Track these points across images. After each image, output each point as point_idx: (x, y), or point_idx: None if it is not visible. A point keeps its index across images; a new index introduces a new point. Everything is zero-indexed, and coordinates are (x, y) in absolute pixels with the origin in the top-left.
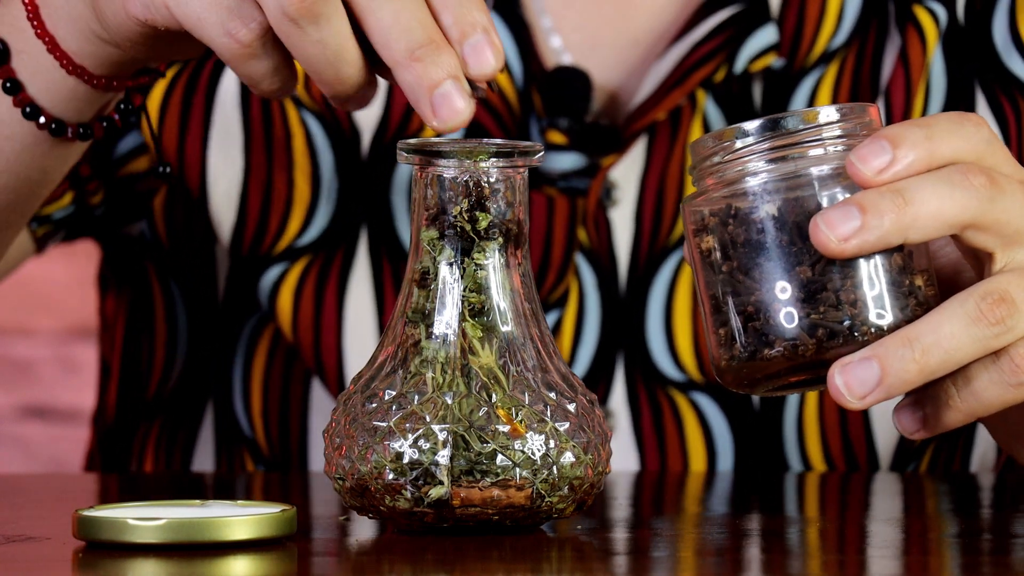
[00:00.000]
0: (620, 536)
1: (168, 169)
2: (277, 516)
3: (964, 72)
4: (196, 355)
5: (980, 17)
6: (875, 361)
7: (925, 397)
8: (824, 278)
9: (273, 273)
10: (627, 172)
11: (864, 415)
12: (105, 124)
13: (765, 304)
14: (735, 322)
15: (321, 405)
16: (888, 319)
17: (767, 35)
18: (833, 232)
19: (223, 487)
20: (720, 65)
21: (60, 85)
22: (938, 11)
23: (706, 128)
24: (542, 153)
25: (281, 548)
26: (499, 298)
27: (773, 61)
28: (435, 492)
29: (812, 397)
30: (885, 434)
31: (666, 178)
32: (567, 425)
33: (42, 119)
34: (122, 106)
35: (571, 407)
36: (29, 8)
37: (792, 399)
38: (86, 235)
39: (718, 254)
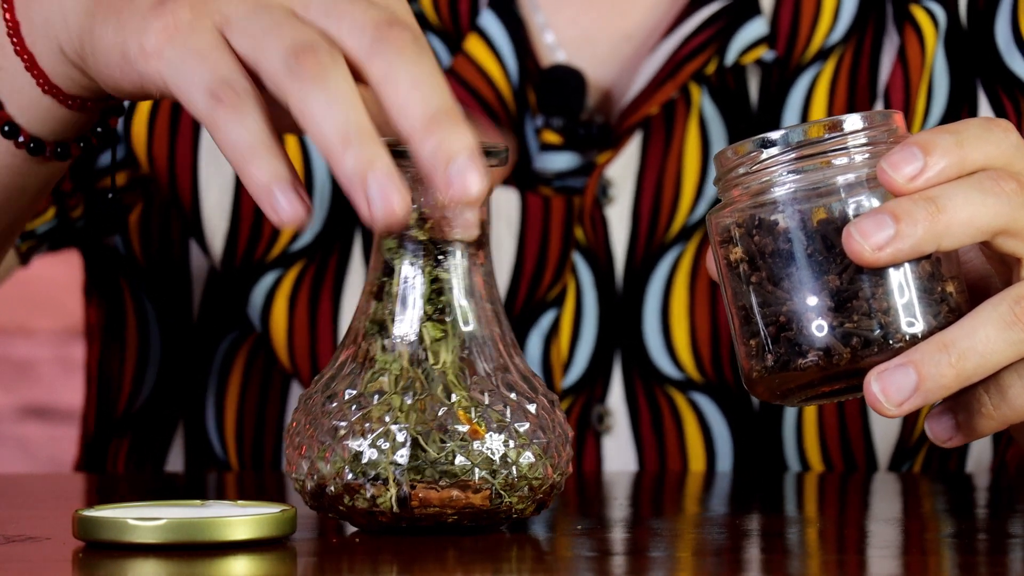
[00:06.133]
0: (618, 536)
1: (112, 197)
2: (277, 516)
3: (966, 73)
4: (167, 374)
5: (983, 18)
6: (911, 367)
7: (957, 405)
8: (855, 286)
9: (267, 280)
10: (623, 170)
11: (863, 417)
12: (82, 144)
13: (797, 314)
14: (766, 332)
15: None
16: (921, 326)
17: (757, 27)
18: (867, 241)
19: (222, 488)
20: (711, 57)
21: (37, 104)
22: (936, 11)
23: (702, 125)
24: (506, 154)
25: (281, 548)
26: (460, 299)
27: (764, 53)
28: (392, 493)
29: None
30: (883, 435)
31: (663, 175)
32: (527, 426)
33: (20, 138)
34: (99, 129)
35: (531, 407)
36: (10, 24)
37: None
38: (70, 246)
39: (746, 265)
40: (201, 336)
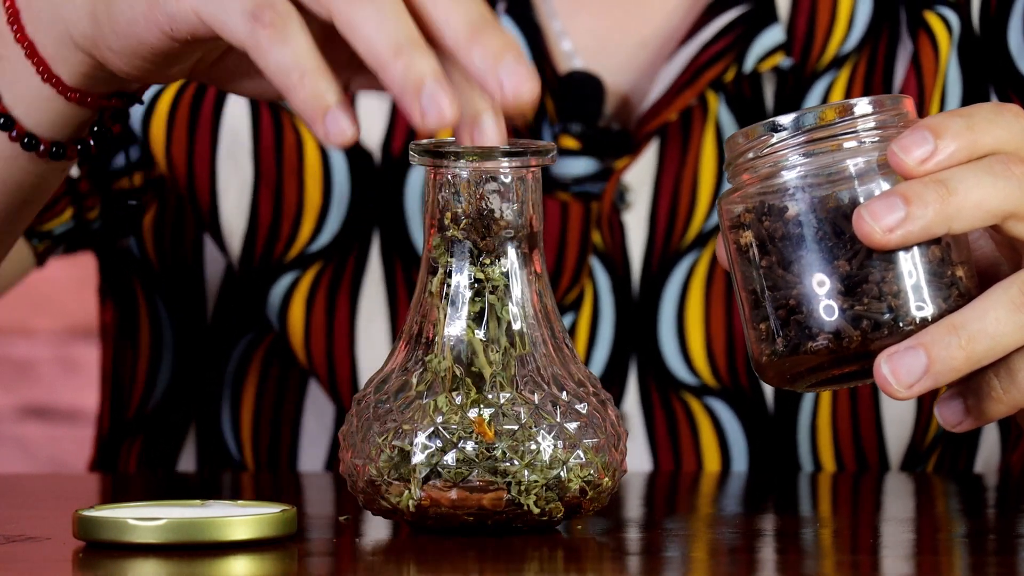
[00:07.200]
0: (633, 536)
1: (135, 202)
2: (277, 516)
3: (979, 78)
4: (181, 375)
5: (995, 23)
6: (922, 350)
7: (967, 390)
8: (865, 270)
9: (285, 282)
10: (640, 175)
11: (876, 419)
12: (79, 147)
13: (807, 297)
14: (776, 316)
15: (313, 427)
16: (931, 310)
17: (774, 35)
18: (878, 223)
19: (222, 488)
20: (729, 65)
21: (36, 94)
22: (950, 17)
23: (719, 132)
24: (555, 152)
25: (281, 548)
26: (508, 300)
27: (781, 61)
28: (407, 494)
29: (825, 400)
30: (896, 440)
31: (679, 181)
32: (560, 430)
33: (15, 132)
34: (95, 129)
35: (580, 407)
36: (10, 12)
37: (807, 403)
38: (85, 247)
39: (756, 249)
40: (216, 337)
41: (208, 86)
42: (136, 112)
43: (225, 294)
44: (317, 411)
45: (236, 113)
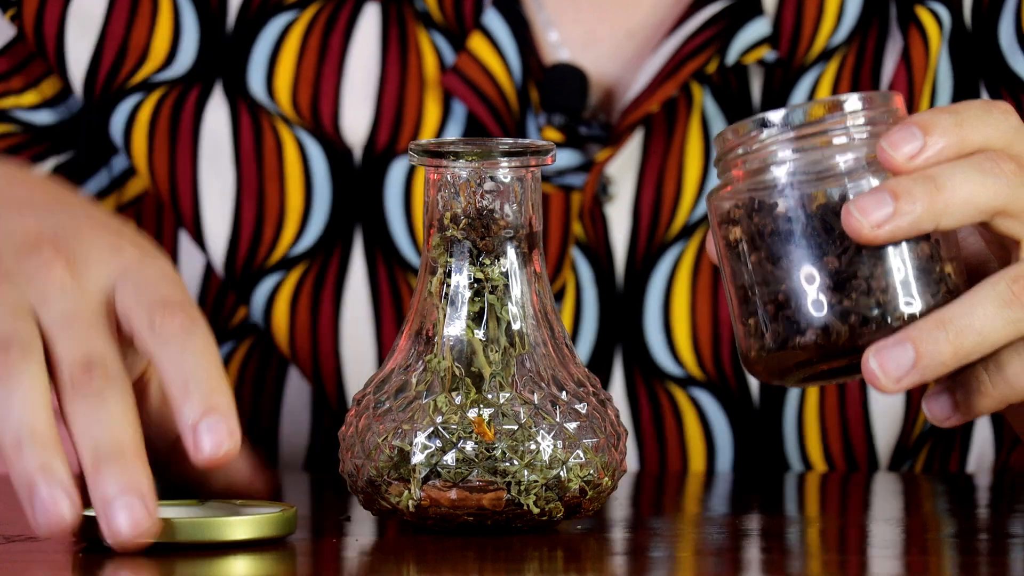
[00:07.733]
0: (619, 536)
1: None
2: (277, 516)
3: (970, 74)
4: None
5: (986, 19)
6: (909, 344)
7: (955, 384)
8: (854, 266)
9: (268, 284)
10: (623, 167)
11: (864, 414)
12: None
13: (796, 292)
14: (765, 311)
15: (293, 434)
16: (919, 305)
17: (759, 28)
18: (866, 218)
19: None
20: (712, 56)
21: None
22: (940, 12)
23: (704, 125)
24: (554, 152)
25: (281, 548)
26: (508, 300)
27: (766, 54)
28: (407, 494)
29: (812, 393)
30: (885, 433)
31: (664, 173)
32: (559, 430)
33: None
34: None
35: (579, 407)
36: None
37: (793, 395)
38: None
39: (745, 245)
40: None
41: (187, 95)
42: (118, 123)
43: (202, 299)
44: (297, 413)
45: (216, 120)
